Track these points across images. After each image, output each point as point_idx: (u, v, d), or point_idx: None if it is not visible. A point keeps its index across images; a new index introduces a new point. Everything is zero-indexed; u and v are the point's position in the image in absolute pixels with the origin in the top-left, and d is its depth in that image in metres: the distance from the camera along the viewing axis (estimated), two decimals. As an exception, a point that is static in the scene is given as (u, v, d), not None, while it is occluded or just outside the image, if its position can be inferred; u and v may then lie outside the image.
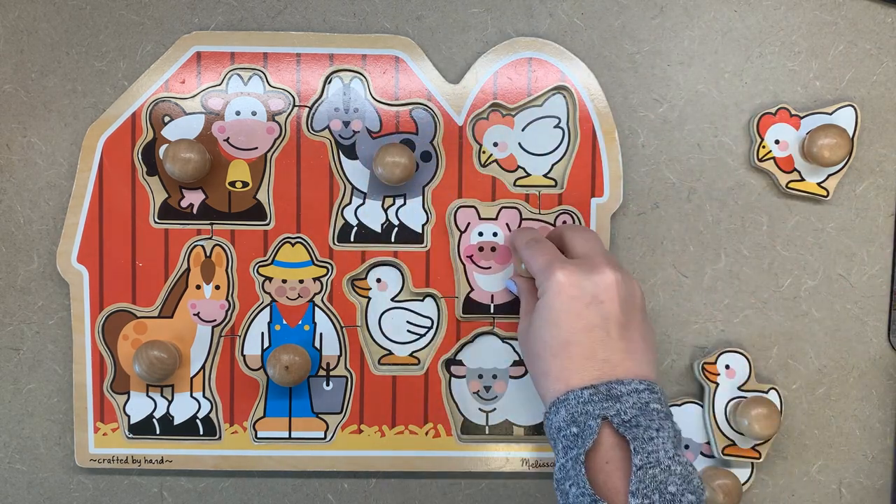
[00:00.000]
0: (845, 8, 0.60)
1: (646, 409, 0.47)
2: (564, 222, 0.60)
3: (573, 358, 0.49)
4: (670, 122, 0.60)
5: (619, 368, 0.49)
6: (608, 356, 0.49)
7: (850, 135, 0.59)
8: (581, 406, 0.47)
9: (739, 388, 0.60)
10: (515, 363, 0.61)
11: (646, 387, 0.48)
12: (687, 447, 0.61)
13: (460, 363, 0.61)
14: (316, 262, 0.60)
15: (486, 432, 0.62)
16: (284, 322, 0.60)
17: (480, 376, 0.61)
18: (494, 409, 0.61)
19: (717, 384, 0.60)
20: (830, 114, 0.60)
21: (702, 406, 0.61)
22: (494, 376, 0.61)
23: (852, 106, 0.59)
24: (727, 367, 0.60)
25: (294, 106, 0.59)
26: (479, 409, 0.61)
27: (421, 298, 0.61)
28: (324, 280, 0.60)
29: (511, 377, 0.61)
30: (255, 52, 0.59)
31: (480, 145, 0.60)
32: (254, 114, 0.59)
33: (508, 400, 0.61)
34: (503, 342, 0.61)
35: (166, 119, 0.59)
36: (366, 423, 0.61)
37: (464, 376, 0.61)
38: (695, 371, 0.61)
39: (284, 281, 0.60)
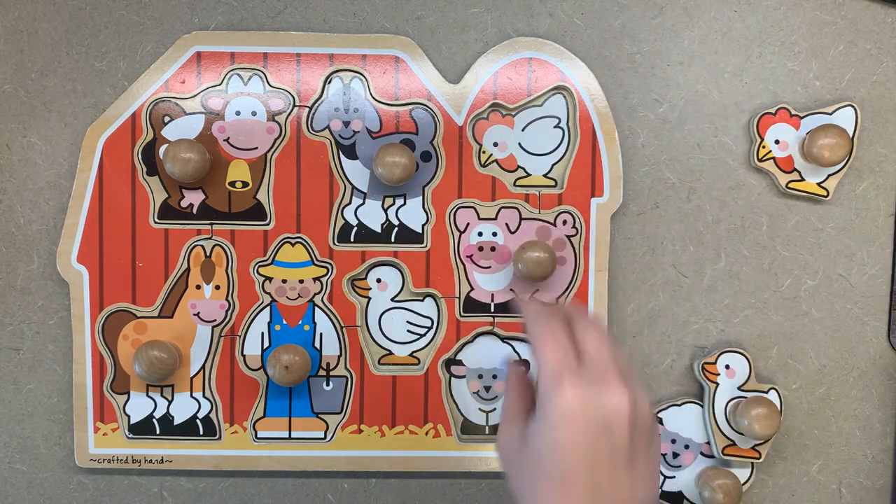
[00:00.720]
0: (845, 8, 0.60)
1: None
2: (565, 222, 0.60)
3: (575, 495, 0.43)
4: (670, 122, 0.60)
5: (620, 500, 0.44)
6: (613, 492, 0.44)
7: (850, 135, 0.59)
8: None
9: (739, 388, 0.60)
10: (515, 363, 0.61)
11: None
12: (687, 447, 0.61)
13: (460, 363, 0.61)
14: (316, 262, 0.60)
15: (486, 432, 0.61)
16: (284, 322, 0.60)
17: (480, 376, 0.61)
18: (494, 409, 0.61)
19: (717, 384, 0.60)
20: (830, 114, 0.60)
21: (702, 406, 0.61)
22: (494, 376, 0.61)
23: (852, 106, 0.59)
24: (727, 367, 0.60)
25: (294, 106, 0.59)
26: (479, 409, 0.61)
27: (421, 298, 0.61)
28: (324, 280, 0.60)
29: (511, 377, 0.61)
30: (255, 52, 0.59)
31: (480, 145, 0.60)
32: (254, 114, 0.59)
33: (508, 400, 0.61)
34: (503, 342, 0.61)
35: (166, 119, 0.59)
36: (366, 423, 0.61)
37: (464, 376, 0.61)
38: (695, 371, 0.61)
39: (284, 281, 0.60)
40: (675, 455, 0.61)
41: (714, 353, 0.60)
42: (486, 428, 0.61)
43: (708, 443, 0.61)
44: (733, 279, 0.61)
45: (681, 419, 0.61)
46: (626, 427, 0.44)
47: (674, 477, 0.61)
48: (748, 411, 0.57)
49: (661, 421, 0.61)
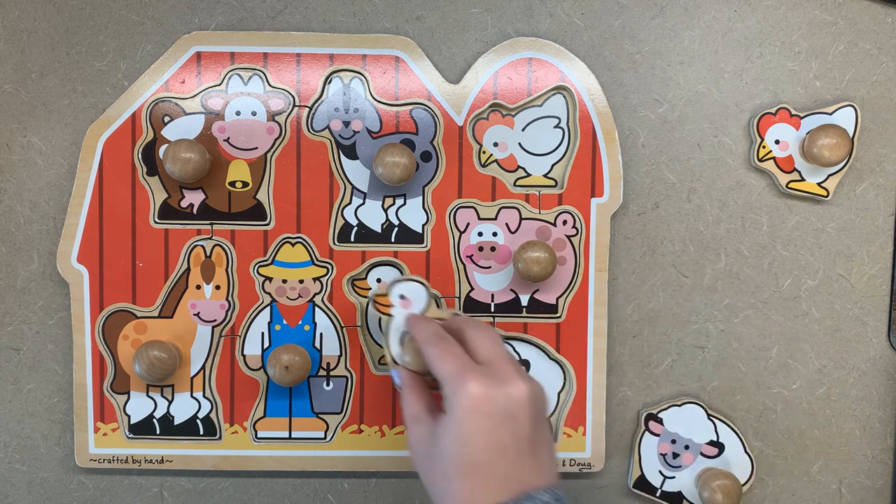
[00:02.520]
0: (845, 8, 0.60)
1: None
2: (565, 222, 0.60)
3: (485, 480, 0.45)
4: (670, 122, 0.60)
5: (527, 485, 0.46)
6: (520, 476, 0.46)
7: (850, 135, 0.59)
8: None
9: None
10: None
11: (551, 496, 0.46)
12: (687, 447, 0.61)
13: (460, 363, 0.61)
14: (316, 262, 0.60)
15: (486, 432, 0.61)
16: (284, 322, 0.60)
17: (480, 376, 0.61)
18: (494, 409, 0.61)
19: (392, 316, 0.55)
20: (830, 114, 0.60)
21: (702, 406, 0.61)
22: (494, 376, 0.61)
23: (852, 106, 0.59)
24: (402, 297, 0.55)
25: (294, 106, 0.59)
26: (479, 409, 0.61)
27: (421, 298, 0.61)
28: (324, 280, 0.60)
29: (511, 377, 0.61)
30: (255, 52, 0.59)
31: (480, 145, 0.60)
32: (254, 114, 0.59)
33: (508, 400, 0.61)
34: (503, 342, 0.61)
35: (166, 119, 0.59)
36: (366, 423, 0.61)
37: (464, 376, 0.61)
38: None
39: (284, 281, 0.60)
40: (675, 455, 0.61)
41: (385, 286, 0.55)
42: (486, 428, 0.61)
43: (708, 443, 0.61)
44: (733, 279, 0.61)
45: (681, 419, 0.61)
46: (528, 415, 0.47)
47: (673, 477, 0.61)
48: None
49: (661, 421, 0.61)
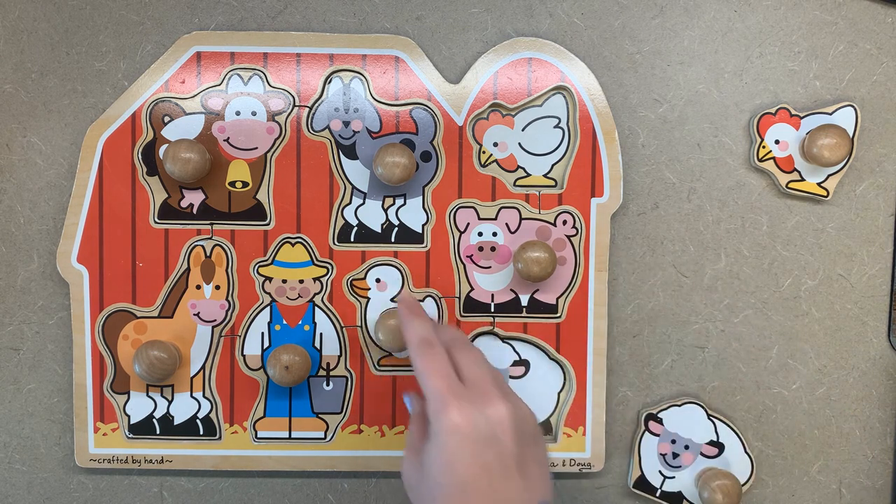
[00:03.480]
0: (845, 8, 0.60)
1: None
2: (565, 222, 0.60)
3: (471, 502, 0.46)
4: (670, 122, 0.60)
5: (517, 502, 0.47)
6: (508, 495, 0.46)
7: (850, 135, 0.59)
8: None
9: (392, 300, 0.60)
10: (515, 363, 0.61)
11: None
12: (687, 447, 0.61)
13: (460, 363, 0.61)
14: (316, 262, 0.60)
15: (486, 432, 0.61)
16: (284, 322, 0.60)
17: (480, 376, 0.61)
18: (494, 409, 0.61)
19: (369, 299, 0.60)
20: (830, 114, 0.60)
21: (702, 406, 0.61)
22: (494, 376, 0.61)
23: (852, 106, 0.59)
24: (378, 280, 0.60)
25: (294, 106, 0.59)
26: (479, 409, 0.61)
27: (421, 298, 0.61)
28: (324, 280, 0.60)
29: (511, 377, 0.61)
30: (255, 52, 0.59)
31: (480, 145, 0.60)
32: (254, 114, 0.59)
33: (508, 400, 0.61)
34: (503, 342, 0.61)
35: (166, 119, 0.59)
36: (366, 423, 0.61)
37: (464, 376, 0.61)
38: (344, 288, 0.60)
39: (284, 281, 0.60)
40: (675, 455, 0.61)
41: (363, 270, 0.59)
42: (486, 428, 0.61)
43: (708, 443, 0.61)
44: (733, 279, 0.61)
45: (681, 419, 0.61)
46: (511, 434, 0.47)
47: (673, 477, 0.61)
48: None
49: (661, 421, 0.61)
